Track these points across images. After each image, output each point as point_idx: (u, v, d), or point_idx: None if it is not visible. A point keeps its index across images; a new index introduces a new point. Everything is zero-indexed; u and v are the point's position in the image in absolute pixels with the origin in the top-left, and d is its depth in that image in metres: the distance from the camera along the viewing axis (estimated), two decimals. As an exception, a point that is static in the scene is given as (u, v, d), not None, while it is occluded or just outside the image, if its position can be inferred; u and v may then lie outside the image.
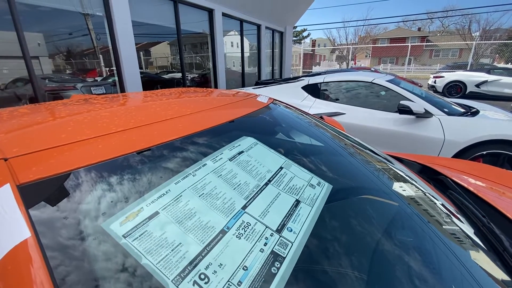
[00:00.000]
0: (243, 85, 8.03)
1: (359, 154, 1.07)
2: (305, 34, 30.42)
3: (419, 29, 36.11)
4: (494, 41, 19.43)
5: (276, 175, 0.60)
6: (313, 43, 35.52)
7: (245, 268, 0.38)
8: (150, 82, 5.26)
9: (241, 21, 7.51)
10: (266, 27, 8.84)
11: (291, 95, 3.23)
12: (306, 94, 3.18)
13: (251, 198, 0.51)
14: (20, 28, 2.85)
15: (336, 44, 33.69)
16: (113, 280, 0.33)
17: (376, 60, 31.81)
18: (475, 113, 2.57)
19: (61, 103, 0.94)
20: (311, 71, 19.36)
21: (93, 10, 3.66)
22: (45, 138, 0.52)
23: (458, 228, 0.76)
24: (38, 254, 0.32)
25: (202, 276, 0.36)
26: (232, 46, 7.83)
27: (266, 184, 0.57)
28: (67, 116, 0.68)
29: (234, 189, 0.52)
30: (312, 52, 29.53)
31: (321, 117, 1.81)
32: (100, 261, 0.34)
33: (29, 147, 0.47)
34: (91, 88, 3.94)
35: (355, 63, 26.38)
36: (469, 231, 0.76)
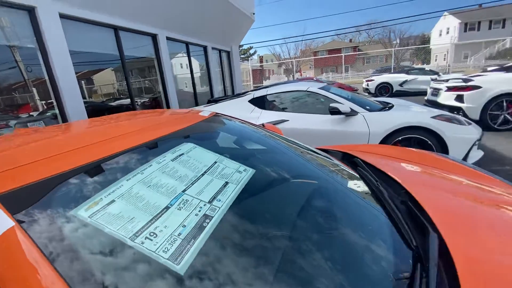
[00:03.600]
0: (197, 104, 8.13)
1: (289, 149, 1.31)
2: (252, 51, 31.95)
3: (350, 40, 40.84)
4: (408, 47, 23.17)
5: (211, 168, 0.78)
6: (261, 59, 37.45)
7: (184, 226, 0.54)
8: (96, 111, 5.05)
9: (187, 44, 7.71)
10: (213, 48, 9.18)
11: (240, 109, 3.48)
12: (253, 106, 3.46)
13: (190, 184, 0.68)
14: None
15: (282, 59, 36.04)
16: (84, 245, 0.47)
17: (319, 70, 34.79)
18: (391, 107, 3.11)
19: (10, 136, 0.99)
20: (262, 85, 20.35)
21: (22, 42, 3.49)
22: (14, 158, 0.62)
23: (362, 191, 1.02)
24: (25, 237, 0.44)
25: (151, 234, 0.51)
26: (182, 67, 7.94)
27: (203, 174, 0.74)
28: (25, 141, 0.77)
29: (176, 180, 0.68)
30: (261, 68, 30.99)
31: (263, 125, 2.05)
32: (73, 234, 0.48)
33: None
34: (28, 124, 3.67)
35: (301, 75, 28.47)
36: (367, 191, 1.03)
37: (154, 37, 6.18)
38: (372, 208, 0.95)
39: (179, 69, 7.79)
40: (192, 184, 0.68)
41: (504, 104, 4.59)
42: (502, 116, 4.64)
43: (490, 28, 29.89)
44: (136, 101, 5.92)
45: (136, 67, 6.36)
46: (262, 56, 39.62)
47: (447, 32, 32.48)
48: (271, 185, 0.87)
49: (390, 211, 0.88)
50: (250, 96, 3.58)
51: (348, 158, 1.54)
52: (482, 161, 3.04)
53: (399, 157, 1.48)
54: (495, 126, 4.67)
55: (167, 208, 0.58)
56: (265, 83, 25.01)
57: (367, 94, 11.24)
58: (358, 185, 1.08)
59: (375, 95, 10.93)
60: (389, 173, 1.17)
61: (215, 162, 0.81)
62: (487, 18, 29.77)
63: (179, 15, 6.45)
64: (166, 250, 0.48)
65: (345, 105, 2.82)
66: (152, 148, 0.81)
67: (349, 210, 0.92)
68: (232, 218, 0.63)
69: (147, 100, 6.63)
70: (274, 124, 3.05)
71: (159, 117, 1.22)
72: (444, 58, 25.90)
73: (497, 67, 5.85)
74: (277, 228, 0.69)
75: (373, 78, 11.43)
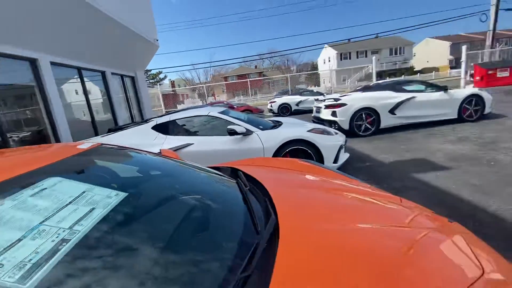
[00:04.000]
0: (96, 134, 7.26)
1: (179, 170, 1.45)
2: (162, 76, 31.03)
3: (255, 66, 45.40)
4: (301, 73, 27.98)
5: (78, 197, 0.84)
6: (172, 84, 36.75)
7: (37, 252, 0.60)
8: None
9: (79, 69, 6.94)
10: (113, 73, 8.54)
11: (142, 137, 3.40)
12: (156, 133, 3.45)
13: (51, 215, 0.73)
14: None
15: (194, 83, 36.45)
16: None
17: (231, 93, 36.89)
18: (280, 125, 3.70)
19: None
20: (176, 110, 19.92)
21: None
22: None
23: (235, 196, 1.25)
24: None
25: (-4, 265, 0.55)
26: (77, 94, 7.04)
27: (67, 205, 0.79)
28: None
29: (33, 214, 0.71)
30: (173, 92, 30.33)
31: (160, 151, 2.13)
32: None
33: None
34: None
35: (215, 98, 29.44)
36: (239, 195, 1.27)
37: (33, 62, 5.34)
38: (239, 208, 1.18)
39: (73, 96, 6.88)
40: (54, 215, 0.73)
41: (363, 116, 6.07)
42: (364, 125, 6.11)
43: (357, 57, 39.41)
44: (11, 137, 4.87)
45: (9, 95, 5.28)
46: (174, 81, 39.01)
47: (329, 60, 40.76)
48: (145, 204, 0.99)
49: (251, 208, 1.12)
50: (153, 122, 3.57)
51: (234, 171, 1.80)
52: (349, 160, 3.93)
53: (274, 166, 1.83)
54: (360, 133, 6.10)
55: (18, 240, 0.62)
56: (180, 107, 24.59)
57: (271, 114, 12.71)
58: (233, 192, 1.31)
59: (278, 114, 12.44)
60: (258, 179, 1.46)
61: (84, 192, 0.87)
62: (355, 50, 39.22)
63: (66, 38, 5.82)
64: (12, 275, 0.54)
65: (241, 126, 3.20)
66: (9, 187, 0.80)
67: (221, 213, 1.12)
68: (96, 237, 0.71)
69: (27, 134, 5.52)
70: (179, 149, 3.13)
71: (27, 154, 1.16)
72: (330, 81, 32.09)
73: (360, 88, 7.66)
74: (145, 241, 0.80)
75: (275, 100, 13.05)
